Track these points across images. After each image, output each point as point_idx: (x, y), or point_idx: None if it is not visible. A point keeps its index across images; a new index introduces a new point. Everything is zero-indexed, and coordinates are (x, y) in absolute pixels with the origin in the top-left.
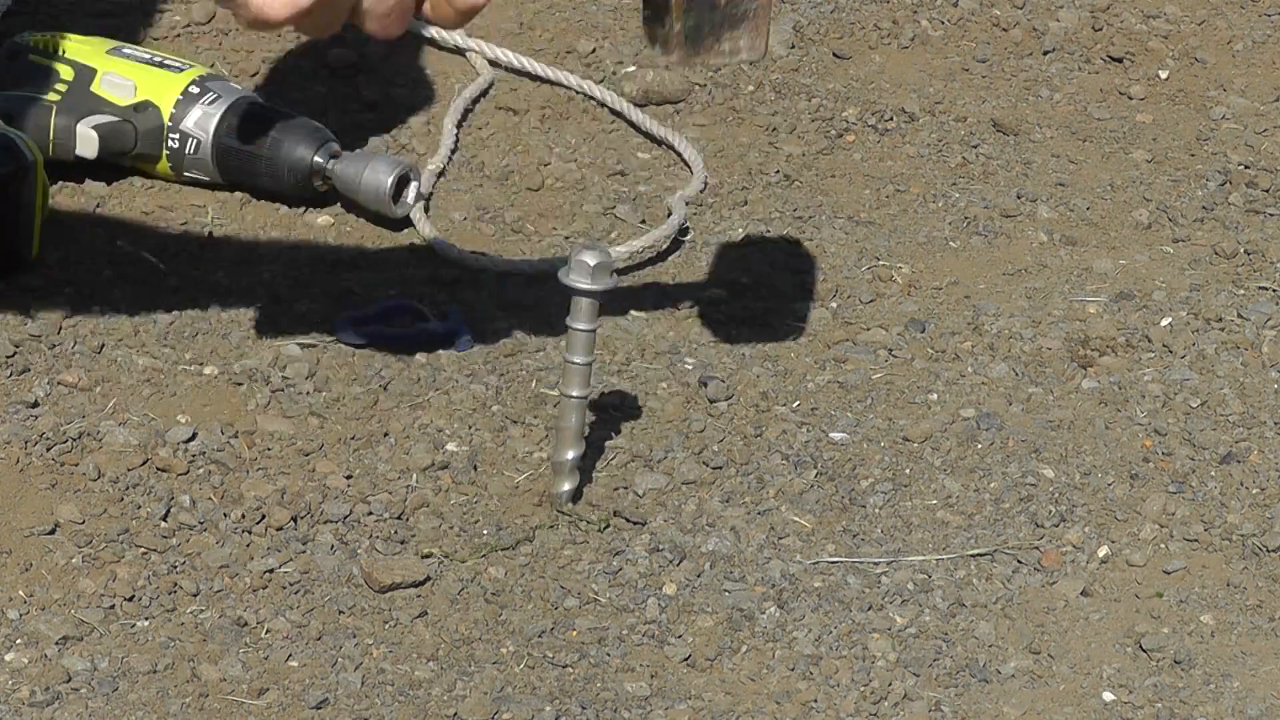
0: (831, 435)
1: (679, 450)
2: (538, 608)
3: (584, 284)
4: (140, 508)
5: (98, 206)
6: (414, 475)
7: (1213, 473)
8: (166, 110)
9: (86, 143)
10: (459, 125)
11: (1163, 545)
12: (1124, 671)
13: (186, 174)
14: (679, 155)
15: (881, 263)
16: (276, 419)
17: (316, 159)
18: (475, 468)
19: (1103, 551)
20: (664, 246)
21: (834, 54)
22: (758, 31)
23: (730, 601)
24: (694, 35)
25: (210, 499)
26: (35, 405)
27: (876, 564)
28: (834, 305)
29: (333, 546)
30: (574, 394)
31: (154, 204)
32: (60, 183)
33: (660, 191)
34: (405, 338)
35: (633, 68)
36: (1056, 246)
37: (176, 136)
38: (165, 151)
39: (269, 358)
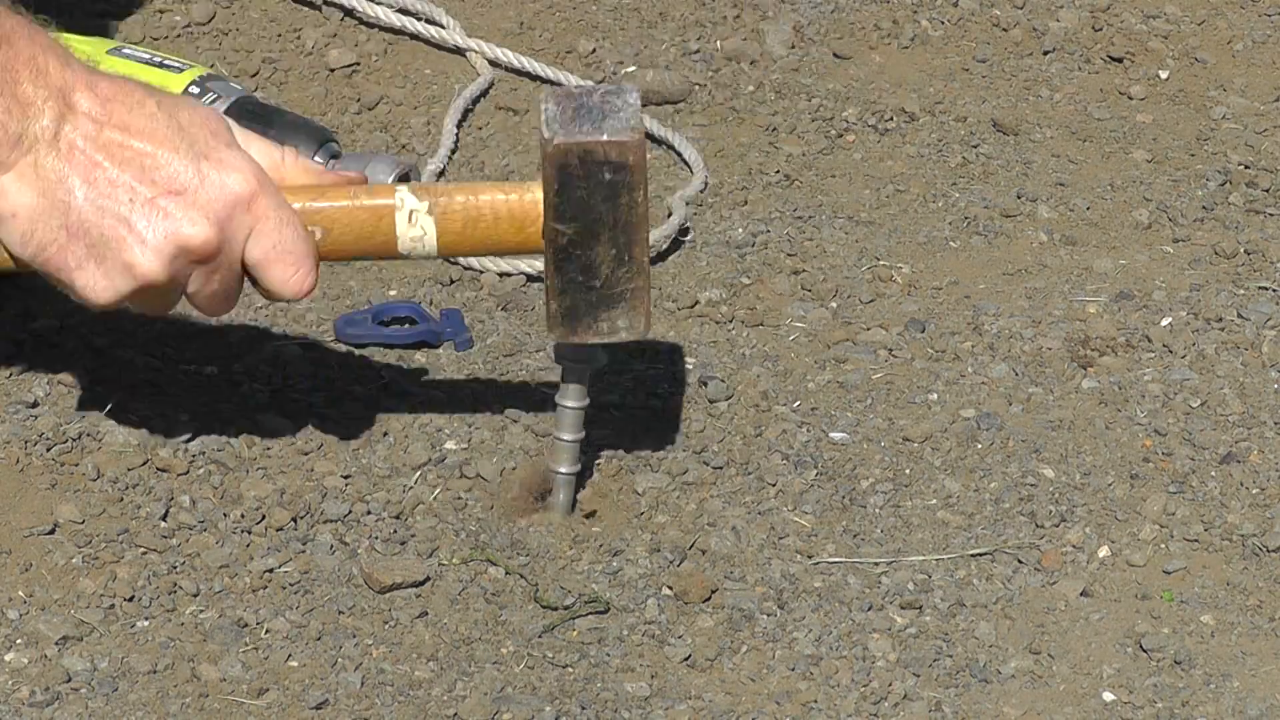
0: (831, 435)
1: (679, 450)
2: (538, 608)
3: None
4: (140, 508)
5: None
6: (413, 475)
7: (1213, 473)
8: None
9: None
10: (459, 125)
11: (1163, 545)
12: (1124, 671)
13: None
14: (679, 155)
15: (881, 263)
16: (276, 419)
17: (317, 159)
18: (475, 467)
19: (1103, 552)
20: (664, 246)
21: (834, 54)
22: (637, 310)
23: (730, 601)
24: (570, 315)
25: (210, 499)
26: (35, 405)
27: (876, 564)
28: (834, 305)
29: (332, 547)
30: (563, 470)
31: None
32: None
33: (660, 191)
34: (405, 338)
35: (633, 68)
36: (1056, 246)
37: None
38: None
39: (269, 358)
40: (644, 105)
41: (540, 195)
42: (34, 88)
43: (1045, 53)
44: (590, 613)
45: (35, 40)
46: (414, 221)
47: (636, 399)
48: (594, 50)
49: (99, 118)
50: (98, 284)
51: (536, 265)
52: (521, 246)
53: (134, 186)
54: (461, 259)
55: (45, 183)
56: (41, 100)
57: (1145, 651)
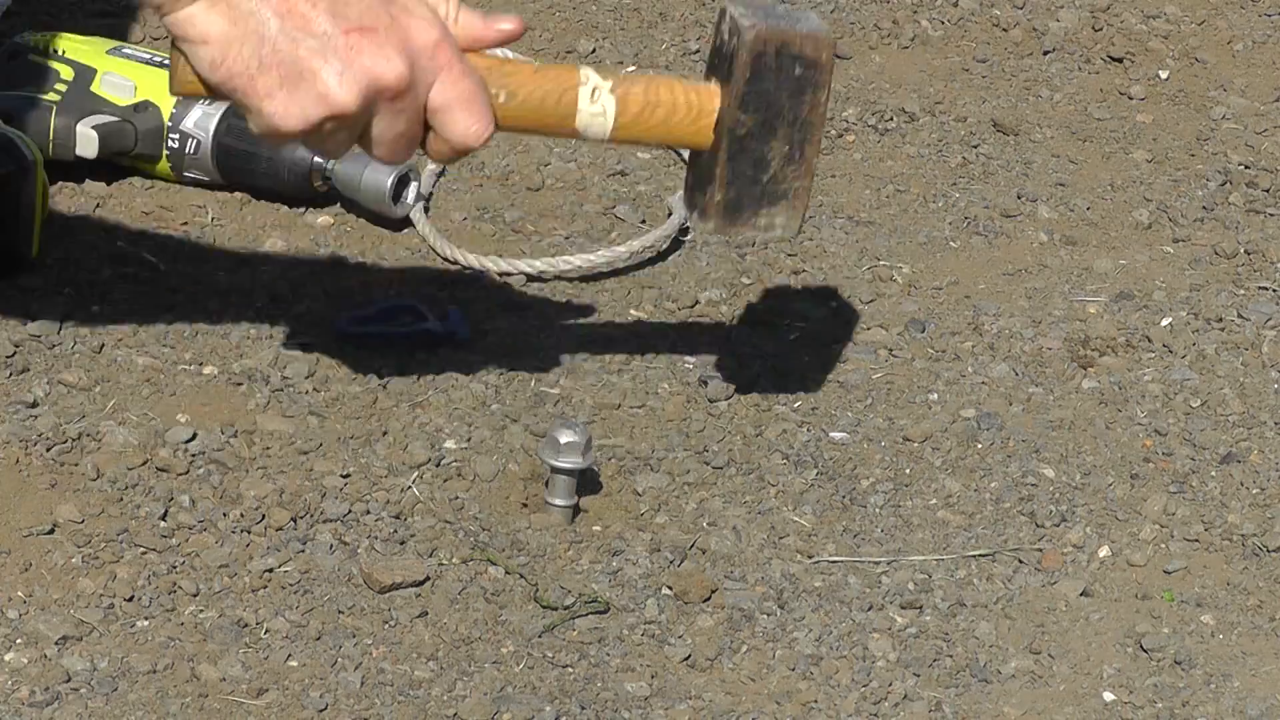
0: (832, 435)
1: (679, 450)
2: (538, 608)
3: (554, 461)
4: (140, 508)
5: (98, 207)
6: (413, 474)
7: (1213, 473)
8: (166, 110)
9: (86, 143)
10: None
11: (1163, 545)
12: (1124, 671)
13: (186, 174)
14: (679, 155)
15: (881, 263)
16: (276, 419)
17: (316, 159)
18: (474, 467)
19: (1103, 552)
20: (664, 246)
21: (834, 54)
22: (795, 209)
23: (730, 601)
24: (733, 207)
25: (210, 499)
26: (35, 405)
27: (876, 564)
28: (834, 305)
29: (332, 546)
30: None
31: (154, 204)
32: (60, 183)
33: (660, 191)
34: (405, 337)
35: (633, 68)
36: (1056, 246)
37: (176, 136)
38: (165, 151)
39: (269, 358)
40: None
41: (717, 90)
42: None
43: (1045, 53)
44: (590, 613)
45: None
46: (596, 99)
47: (636, 399)
48: (594, 50)
49: None
50: (288, 111)
51: (536, 265)
52: (690, 138)
53: (327, 21)
54: (461, 259)
55: (237, 12)
56: None
57: (1145, 651)
